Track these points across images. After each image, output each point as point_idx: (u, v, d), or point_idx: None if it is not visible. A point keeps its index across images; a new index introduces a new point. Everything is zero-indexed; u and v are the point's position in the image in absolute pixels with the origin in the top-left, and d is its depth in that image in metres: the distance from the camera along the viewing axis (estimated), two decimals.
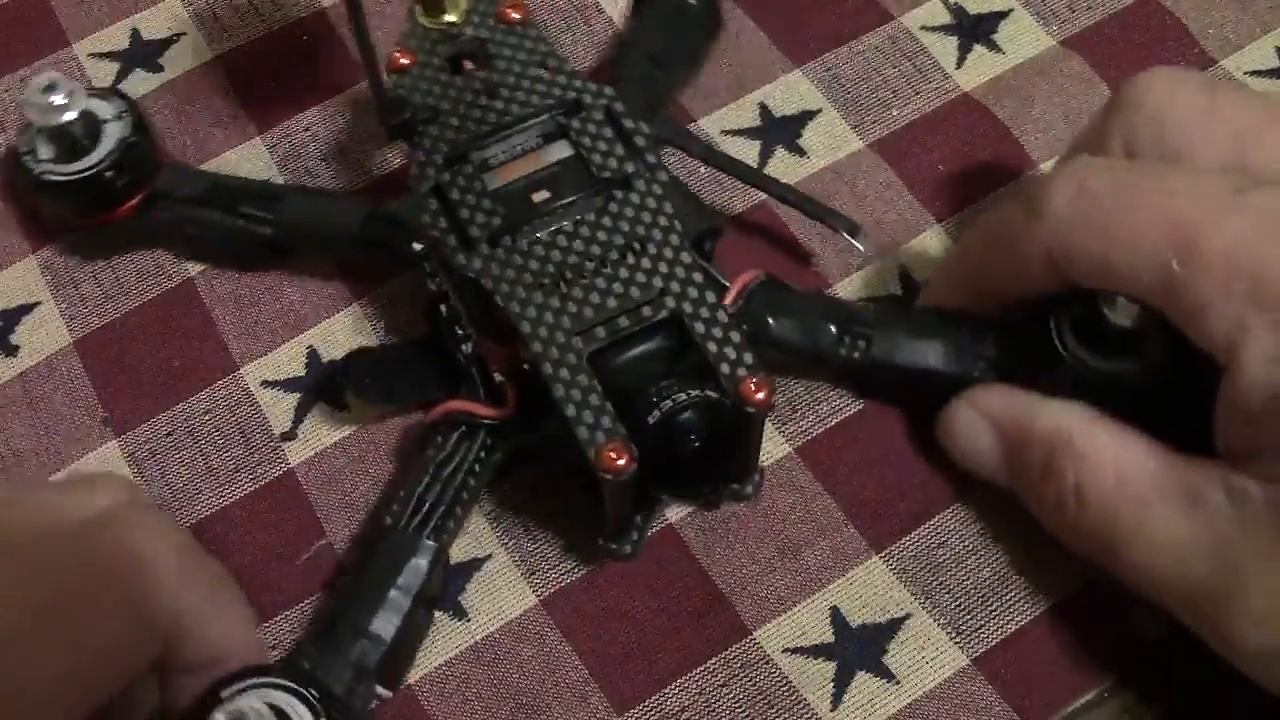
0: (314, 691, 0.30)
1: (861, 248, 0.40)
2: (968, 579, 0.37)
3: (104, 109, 0.41)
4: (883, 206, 0.42)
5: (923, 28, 0.46)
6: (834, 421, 0.39)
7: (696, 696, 0.36)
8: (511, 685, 0.36)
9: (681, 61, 0.43)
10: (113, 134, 0.41)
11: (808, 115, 0.44)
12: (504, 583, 0.37)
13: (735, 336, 0.34)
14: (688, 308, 0.34)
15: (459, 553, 0.38)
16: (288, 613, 0.37)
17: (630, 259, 0.35)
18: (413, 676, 0.36)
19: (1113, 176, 0.33)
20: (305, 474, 0.39)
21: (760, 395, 0.33)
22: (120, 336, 0.42)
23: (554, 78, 0.38)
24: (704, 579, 0.37)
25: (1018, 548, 0.37)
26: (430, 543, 0.35)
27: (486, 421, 0.36)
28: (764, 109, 0.44)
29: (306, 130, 0.45)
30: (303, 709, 0.30)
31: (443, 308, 0.38)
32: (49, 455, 0.40)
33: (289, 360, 0.41)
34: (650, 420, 0.33)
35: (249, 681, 0.30)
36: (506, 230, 0.35)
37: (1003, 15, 0.46)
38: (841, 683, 0.35)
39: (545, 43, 0.39)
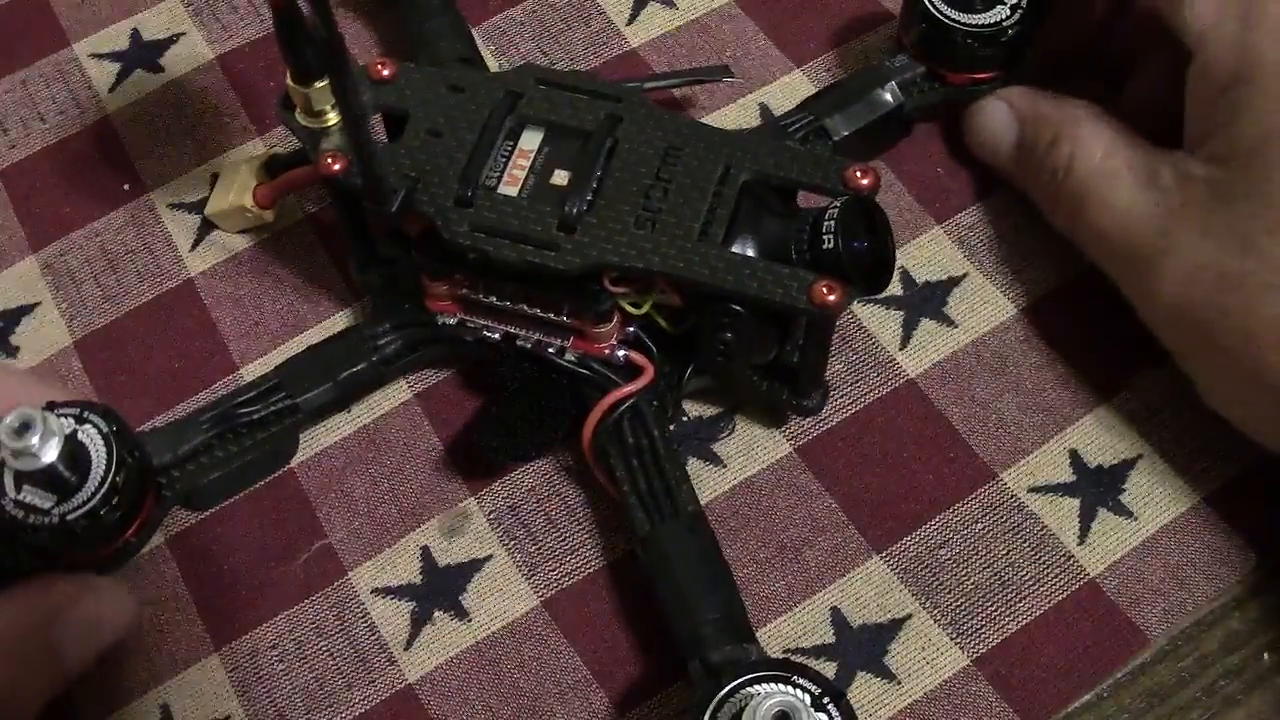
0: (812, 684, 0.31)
1: (738, 77, 0.44)
2: (968, 579, 0.37)
3: (65, 423, 0.34)
4: (883, 208, 0.42)
5: None
6: (834, 421, 0.39)
7: None
8: (512, 685, 0.36)
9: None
10: (97, 443, 0.34)
11: None
12: (505, 583, 0.37)
13: (807, 155, 0.36)
14: (754, 165, 0.36)
15: (459, 553, 0.38)
16: (288, 612, 0.37)
17: (678, 164, 0.36)
18: (412, 676, 0.36)
19: None
20: (305, 474, 0.39)
21: (866, 180, 0.36)
22: (120, 336, 0.42)
23: (471, 92, 0.38)
24: None
25: (1018, 549, 0.37)
26: (689, 510, 0.36)
27: (642, 394, 0.37)
28: (764, 109, 0.44)
29: None
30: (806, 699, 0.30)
31: (519, 343, 0.38)
32: None
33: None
34: (828, 247, 0.34)
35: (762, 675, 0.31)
36: (566, 218, 0.35)
37: None
38: (842, 683, 0.35)
39: (431, 72, 0.38)
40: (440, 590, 0.37)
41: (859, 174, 0.36)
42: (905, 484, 0.38)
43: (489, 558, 0.38)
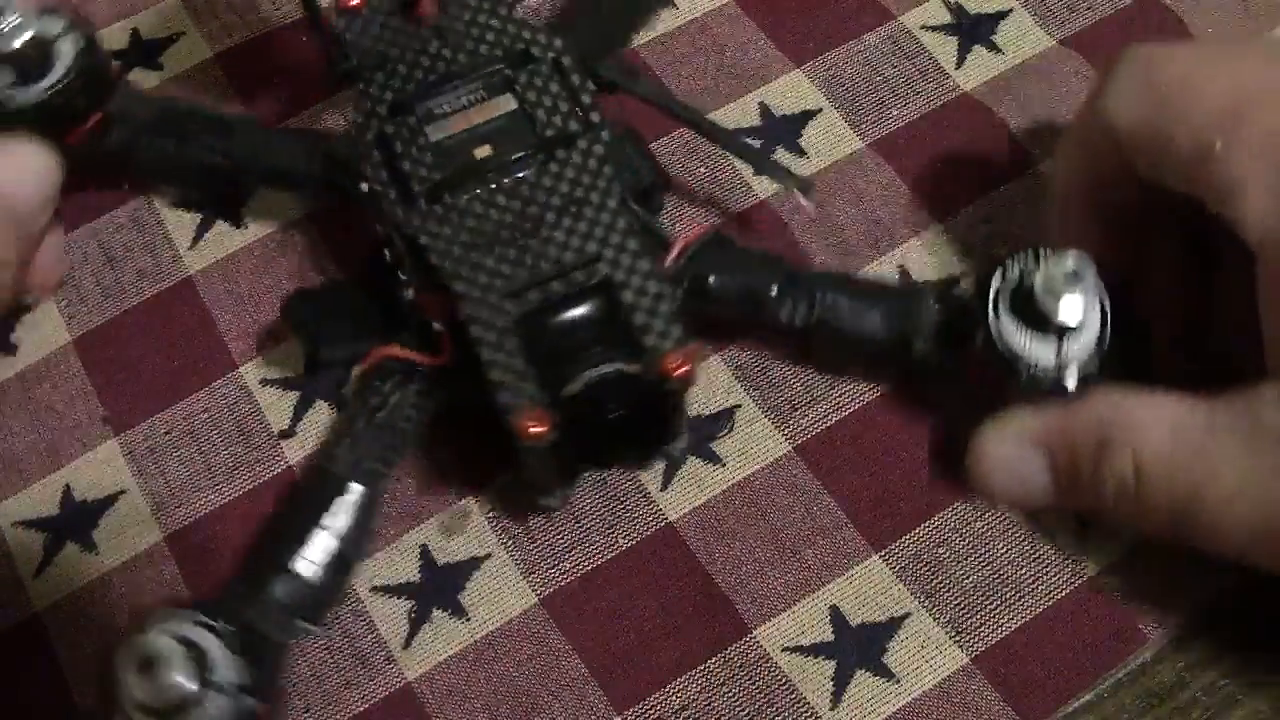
0: (224, 624, 0.31)
1: (808, 205, 0.41)
2: (968, 578, 0.36)
3: (52, 25, 0.39)
4: (882, 205, 0.42)
5: (923, 27, 0.46)
6: (834, 420, 0.39)
7: (697, 696, 0.35)
8: (511, 684, 0.36)
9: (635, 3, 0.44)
10: (66, 52, 0.39)
11: (808, 115, 0.44)
12: (504, 582, 0.37)
13: (664, 307, 0.34)
14: (620, 275, 0.34)
15: (458, 552, 0.38)
16: None
17: (566, 221, 0.35)
18: (412, 675, 0.36)
19: (1183, 51, 0.32)
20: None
21: (680, 370, 0.33)
22: (120, 336, 0.42)
23: (504, 26, 0.37)
24: (704, 578, 0.37)
25: (1018, 547, 0.37)
26: (358, 485, 0.36)
27: (421, 369, 0.36)
28: (764, 108, 0.44)
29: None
30: (213, 640, 0.30)
31: (386, 252, 0.37)
32: (48, 454, 0.40)
33: (289, 359, 0.41)
34: (570, 391, 0.33)
35: (159, 616, 0.31)
36: (446, 187, 0.35)
37: (1003, 15, 0.46)
38: (841, 682, 0.35)
39: None
40: (439, 588, 0.37)
41: (675, 362, 0.33)
42: (904, 483, 0.38)
43: (488, 556, 0.38)
